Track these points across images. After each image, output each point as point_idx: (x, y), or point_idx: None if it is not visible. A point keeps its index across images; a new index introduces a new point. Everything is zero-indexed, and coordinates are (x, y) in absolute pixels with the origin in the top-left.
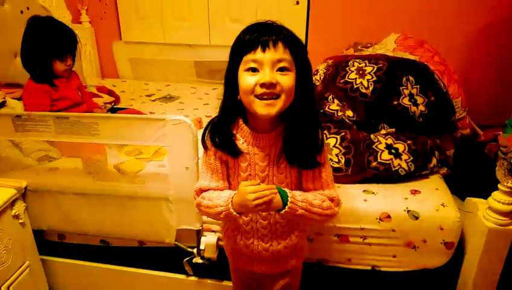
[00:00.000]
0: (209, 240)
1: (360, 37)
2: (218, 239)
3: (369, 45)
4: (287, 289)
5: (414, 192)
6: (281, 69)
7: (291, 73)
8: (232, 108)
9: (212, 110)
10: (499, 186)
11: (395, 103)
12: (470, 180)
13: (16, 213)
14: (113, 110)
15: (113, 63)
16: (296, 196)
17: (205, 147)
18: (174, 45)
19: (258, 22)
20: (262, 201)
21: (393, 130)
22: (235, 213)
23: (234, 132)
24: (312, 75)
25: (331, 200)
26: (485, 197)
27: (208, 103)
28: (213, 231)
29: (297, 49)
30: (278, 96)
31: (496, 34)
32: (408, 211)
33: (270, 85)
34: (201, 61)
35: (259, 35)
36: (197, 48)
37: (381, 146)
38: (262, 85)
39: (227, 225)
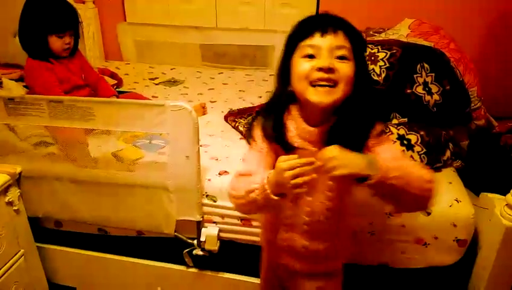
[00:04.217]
0: (210, 231)
1: (372, 21)
2: (220, 231)
3: (381, 30)
4: None
5: None
6: (340, 58)
7: (351, 62)
8: (285, 99)
9: (217, 95)
10: None
11: (409, 91)
12: (484, 173)
13: (10, 200)
14: None
15: (117, 45)
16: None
17: (252, 138)
18: (179, 27)
19: (316, 13)
20: (302, 181)
21: (406, 120)
22: (272, 195)
23: (286, 122)
24: (369, 72)
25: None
26: (500, 192)
27: (213, 88)
28: (214, 223)
29: (357, 41)
30: (335, 85)
31: None
32: None
33: (328, 70)
34: (207, 45)
35: (319, 21)
36: (203, 30)
37: (393, 137)
38: (319, 69)
39: (267, 215)
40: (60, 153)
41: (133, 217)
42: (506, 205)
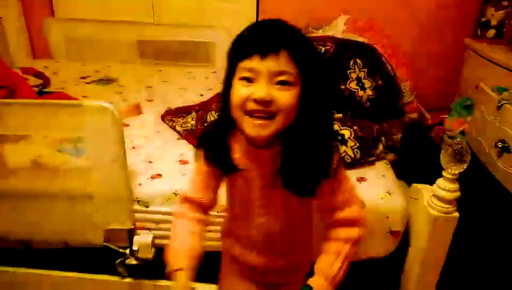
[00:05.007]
0: (143, 239)
1: (311, 18)
2: (154, 237)
3: (319, 26)
4: None
5: (360, 179)
6: (282, 83)
7: (294, 89)
8: (229, 119)
9: (155, 93)
10: (443, 173)
11: (342, 87)
12: (416, 165)
13: None
14: (39, 94)
15: (46, 42)
16: (322, 275)
17: (196, 158)
18: (114, 22)
19: (263, 20)
20: None
21: (340, 115)
22: (167, 269)
23: (231, 142)
24: (325, 88)
25: (351, 223)
26: (431, 183)
27: (150, 86)
28: (148, 229)
29: (306, 59)
30: (272, 116)
31: (444, 17)
32: None
33: (265, 102)
34: (146, 41)
35: (260, 38)
36: (140, 26)
37: None
38: (255, 101)
39: (224, 226)
40: None
41: (57, 228)
42: (433, 195)
